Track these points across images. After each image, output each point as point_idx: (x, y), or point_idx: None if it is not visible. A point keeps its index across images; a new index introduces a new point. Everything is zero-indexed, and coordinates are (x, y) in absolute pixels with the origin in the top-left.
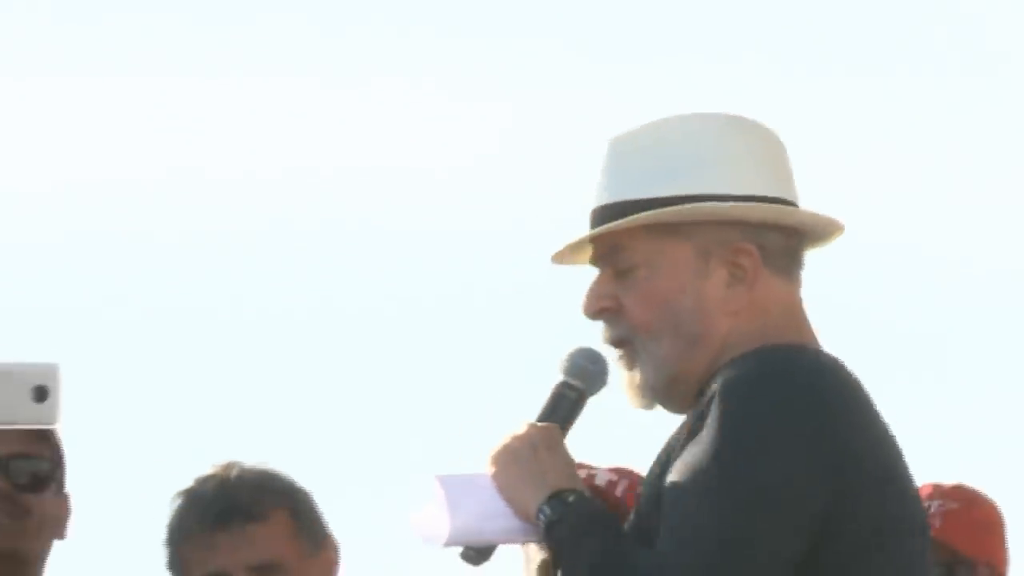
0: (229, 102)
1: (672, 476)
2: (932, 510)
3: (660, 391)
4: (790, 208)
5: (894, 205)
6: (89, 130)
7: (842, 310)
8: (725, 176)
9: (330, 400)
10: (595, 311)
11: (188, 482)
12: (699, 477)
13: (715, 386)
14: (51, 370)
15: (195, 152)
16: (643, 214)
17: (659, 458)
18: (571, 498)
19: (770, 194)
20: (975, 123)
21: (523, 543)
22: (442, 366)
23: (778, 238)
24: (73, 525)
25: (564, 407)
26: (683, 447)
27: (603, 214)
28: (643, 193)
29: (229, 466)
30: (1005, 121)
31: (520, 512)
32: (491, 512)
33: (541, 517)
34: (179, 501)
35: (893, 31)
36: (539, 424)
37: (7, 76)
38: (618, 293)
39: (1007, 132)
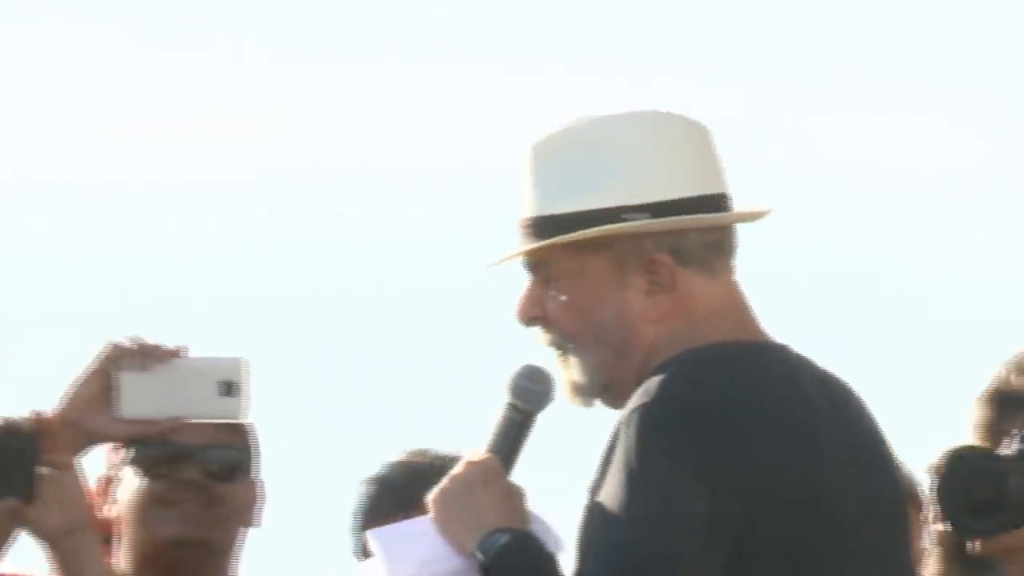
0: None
1: (585, 512)
2: None
3: (594, 396)
4: (695, 217)
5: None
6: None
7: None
8: (640, 183)
9: None
10: (526, 319)
11: (377, 468)
12: (600, 517)
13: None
14: (239, 364)
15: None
16: (554, 239)
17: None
18: (504, 539)
19: (689, 193)
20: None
21: None
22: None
23: (697, 237)
24: (265, 512)
25: (512, 430)
26: (601, 475)
27: (523, 227)
28: (558, 208)
29: (420, 453)
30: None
31: (461, 552)
32: (434, 556)
33: (477, 559)
34: (368, 487)
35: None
36: (476, 460)
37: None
38: (545, 301)
39: None
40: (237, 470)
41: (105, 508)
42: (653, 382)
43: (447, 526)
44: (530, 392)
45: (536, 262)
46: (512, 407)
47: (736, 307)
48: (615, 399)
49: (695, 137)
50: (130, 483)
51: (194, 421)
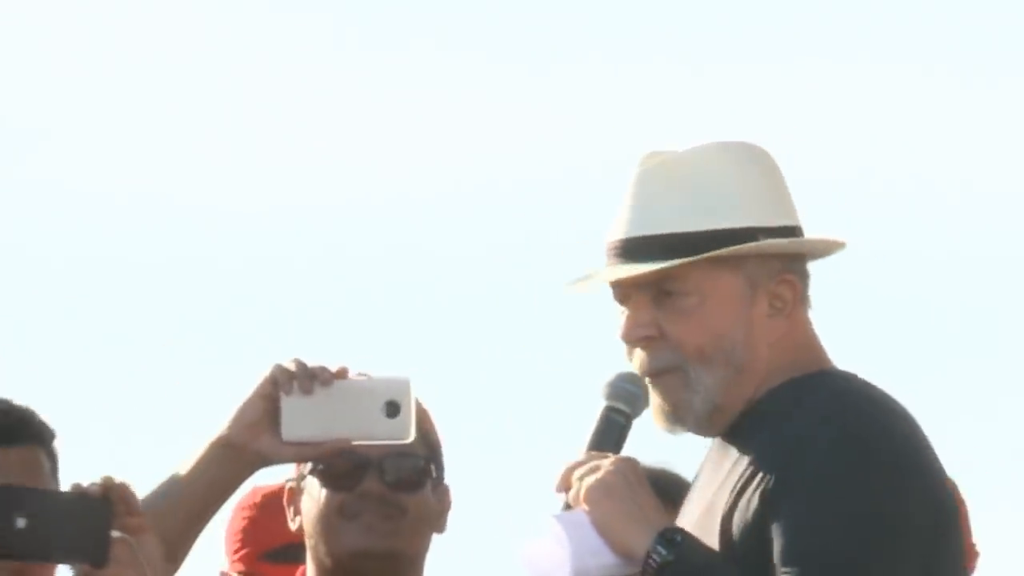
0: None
1: (788, 519)
2: None
3: (702, 418)
4: (830, 240)
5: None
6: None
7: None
8: (765, 208)
9: None
10: (637, 338)
11: None
12: (819, 519)
13: (792, 425)
14: (402, 385)
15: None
16: (719, 251)
17: (724, 498)
18: (679, 537)
19: (790, 223)
20: None
21: None
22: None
23: (804, 268)
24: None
25: (615, 432)
26: (759, 486)
27: (648, 244)
28: (694, 226)
29: None
30: None
31: (620, 548)
32: (594, 548)
33: (654, 558)
34: None
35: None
36: (624, 458)
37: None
38: (660, 320)
39: None
40: (421, 478)
41: (289, 520)
42: (806, 389)
43: (609, 519)
44: (632, 395)
45: (657, 280)
46: (615, 411)
47: (817, 339)
48: (719, 422)
49: (778, 169)
50: (313, 494)
51: (358, 443)
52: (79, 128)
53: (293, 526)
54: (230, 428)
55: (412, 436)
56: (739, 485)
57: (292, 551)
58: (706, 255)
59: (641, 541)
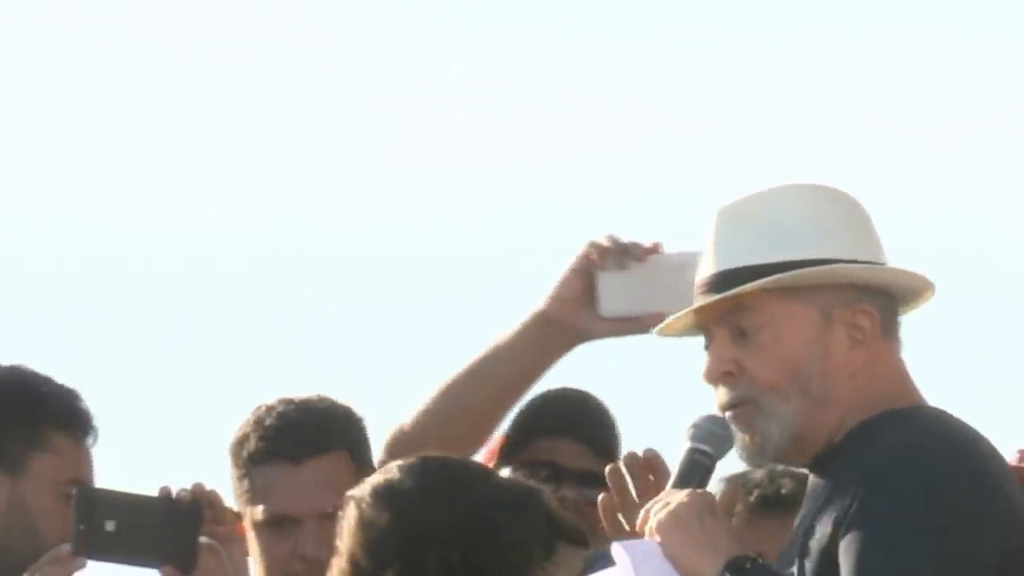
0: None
1: (854, 556)
2: None
3: (783, 448)
4: (911, 271)
5: None
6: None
7: None
8: (836, 243)
9: None
10: (718, 375)
11: None
12: (891, 556)
13: (870, 458)
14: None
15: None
16: (784, 275)
17: (802, 527)
18: (749, 565)
19: (870, 259)
20: None
21: None
22: None
23: (886, 301)
24: None
25: (699, 473)
26: (834, 513)
27: (723, 280)
28: (765, 258)
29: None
30: None
31: None
32: None
33: None
34: None
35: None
36: (697, 491)
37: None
38: (738, 356)
39: None
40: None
41: None
42: (889, 424)
43: (679, 549)
44: (718, 437)
45: (731, 314)
46: (699, 452)
47: (908, 375)
48: (801, 452)
49: (864, 211)
50: None
51: (674, 316)
52: (129, 125)
53: None
54: (548, 303)
55: None
56: (822, 512)
57: None
58: (767, 280)
59: (710, 570)
